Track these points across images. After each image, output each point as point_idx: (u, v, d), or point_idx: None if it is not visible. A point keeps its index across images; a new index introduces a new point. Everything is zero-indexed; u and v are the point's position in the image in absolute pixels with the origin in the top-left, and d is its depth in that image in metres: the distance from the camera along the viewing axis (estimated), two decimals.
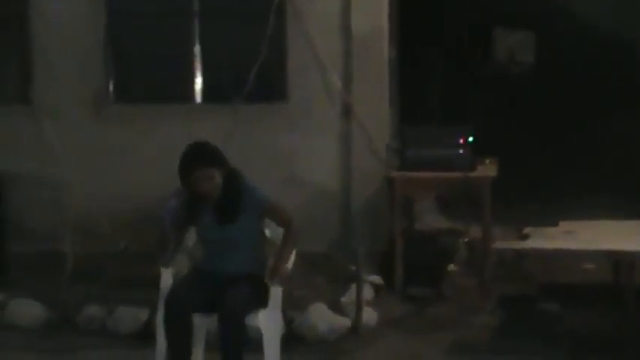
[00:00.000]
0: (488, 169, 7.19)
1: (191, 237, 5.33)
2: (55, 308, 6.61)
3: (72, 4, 7.93)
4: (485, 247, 7.00)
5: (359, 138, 7.68)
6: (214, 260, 5.11)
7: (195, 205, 5.07)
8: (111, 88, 8.06)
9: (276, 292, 5.09)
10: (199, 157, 5.02)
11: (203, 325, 4.99)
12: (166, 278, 5.16)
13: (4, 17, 8.17)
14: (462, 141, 7.15)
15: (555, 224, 6.74)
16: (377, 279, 7.05)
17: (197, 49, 7.98)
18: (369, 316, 6.47)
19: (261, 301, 5.00)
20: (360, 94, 7.68)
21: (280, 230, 5.16)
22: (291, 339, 5.96)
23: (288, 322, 6.10)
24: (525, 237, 6.51)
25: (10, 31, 8.19)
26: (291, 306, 6.10)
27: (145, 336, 6.03)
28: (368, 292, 6.74)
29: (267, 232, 5.31)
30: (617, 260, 6.58)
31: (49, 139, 7.91)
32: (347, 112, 7.72)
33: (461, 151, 7.16)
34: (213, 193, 5.01)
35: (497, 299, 6.82)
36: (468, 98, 10.28)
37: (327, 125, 7.79)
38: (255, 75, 7.74)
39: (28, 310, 6.59)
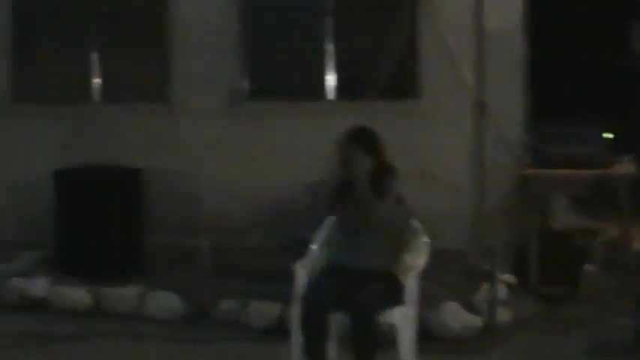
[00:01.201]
0: (626, 167, 7.00)
1: (324, 231, 5.39)
2: (192, 301, 6.76)
3: (208, 3, 8.09)
4: (625, 247, 6.82)
5: (491, 134, 7.60)
6: (349, 254, 5.14)
7: (342, 189, 5.11)
8: (245, 85, 8.20)
9: (410, 289, 5.08)
10: (356, 138, 5.09)
11: (336, 322, 5.02)
12: (301, 274, 5.21)
13: (144, 17, 8.41)
14: (599, 137, 6.99)
15: None
16: (510, 278, 6.96)
17: (329, 45, 8.03)
18: (503, 315, 6.40)
19: (396, 299, 5.00)
20: (493, 90, 7.58)
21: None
22: (423, 337, 5.93)
23: (420, 319, 6.08)
24: None
25: (149, 32, 8.41)
26: (424, 303, 6.07)
27: (277, 331, 6.11)
28: (501, 291, 6.65)
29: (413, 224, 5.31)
30: None
31: (185, 136, 8.10)
32: (479, 108, 7.64)
33: (598, 148, 7.00)
34: (360, 177, 5.04)
35: (637, 300, 6.63)
36: (604, 93, 10.04)
37: (459, 122, 7.72)
38: (387, 72, 7.74)
39: (165, 303, 6.77)
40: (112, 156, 7.97)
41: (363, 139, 5.14)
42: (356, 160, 5.06)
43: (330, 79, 8.05)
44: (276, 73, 8.18)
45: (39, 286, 7.01)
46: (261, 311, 6.50)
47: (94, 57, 8.55)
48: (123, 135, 8.27)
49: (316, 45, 8.05)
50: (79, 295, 6.90)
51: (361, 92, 7.88)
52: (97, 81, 8.57)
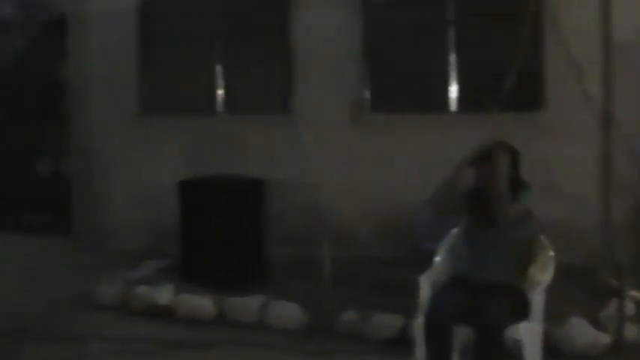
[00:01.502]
0: None
1: (449, 243, 5.34)
2: (314, 312, 6.77)
3: (330, 15, 8.14)
4: None
5: (619, 147, 7.40)
6: (474, 266, 5.08)
7: (473, 199, 5.07)
8: (367, 96, 8.20)
9: (537, 304, 4.99)
10: (494, 152, 5.04)
11: (460, 335, 4.96)
12: (425, 287, 5.17)
13: (267, 29, 8.51)
14: None
15: None
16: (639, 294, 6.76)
17: (452, 56, 7.97)
18: (631, 332, 6.21)
19: (521, 313, 4.92)
20: (621, 102, 7.40)
21: None
22: (549, 353, 5.80)
23: (545, 335, 5.95)
24: None
25: (272, 42, 8.51)
26: (549, 318, 5.94)
27: (400, 343, 6.06)
28: (630, 307, 6.46)
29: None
30: None
31: (307, 147, 8.15)
32: (606, 120, 7.46)
33: None
34: (494, 192, 4.98)
35: None
36: None
37: (585, 134, 7.57)
38: (511, 83, 7.63)
39: (287, 313, 6.79)
40: (236, 167, 8.08)
41: (505, 153, 5.06)
42: (496, 172, 4.98)
43: (453, 91, 8.00)
44: (398, 84, 8.17)
45: (164, 294, 7.13)
46: (384, 323, 6.46)
47: (218, 69, 8.70)
48: (246, 146, 8.38)
49: (439, 56, 8.02)
50: (202, 303, 6.99)
51: (484, 104, 7.79)
52: (220, 93, 8.72)
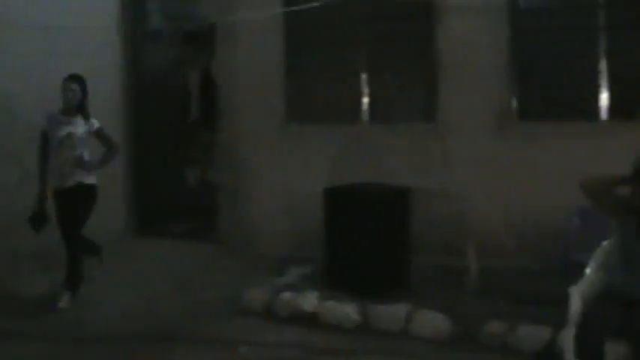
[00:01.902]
0: None
1: (602, 255, 5.19)
2: (458, 321, 6.69)
3: (477, 23, 8.05)
4: None
5: None
6: (629, 280, 4.91)
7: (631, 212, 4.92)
8: (514, 104, 8.07)
9: None
10: None
11: (614, 351, 4.81)
12: (576, 299, 5.04)
13: (411, 37, 8.48)
14: None
15: None
16: None
17: (602, 64, 7.76)
18: None
19: None
20: None
21: None
22: None
23: None
24: None
25: (417, 52, 8.47)
26: None
27: (547, 356, 5.93)
28: None
29: None
30: None
31: (452, 157, 8.08)
32: None
33: None
34: None
35: None
36: None
37: None
38: None
39: (433, 322, 6.74)
40: (380, 175, 8.07)
41: None
42: None
43: (603, 99, 7.78)
44: (546, 92, 8.00)
45: (309, 301, 7.19)
46: (530, 335, 6.33)
47: (363, 78, 8.72)
48: (391, 154, 8.37)
49: (588, 63, 7.82)
50: (347, 310, 7.00)
51: (636, 112, 7.56)
52: (365, 101, 8.74)
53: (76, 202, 7.46)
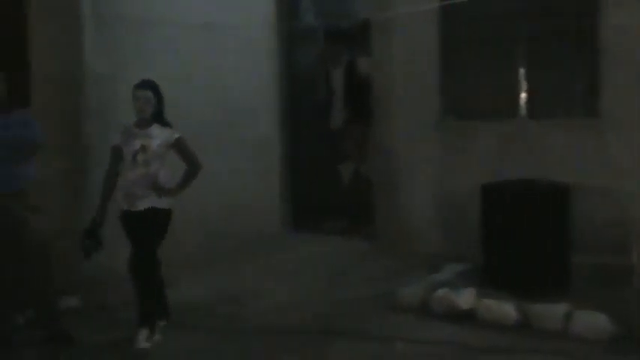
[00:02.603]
0: None
1: None
2: (622, 322, 6.48)
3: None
4: None
5: None
6: None
7: None
8: None
9: None
10: None
11: None
12: None
13: (571, 30, 8.27)
14: None
15: None
16: None
17: None
18: None
19: None
20: None
21: None
22: None
23: None
24: None
25: (576, 45, 8.26)
26: None
27: None
28: None
29: None
30: None
31: (615, 152, 7.84)
32: None
33: None
34: None
35: None
36: None
37: None
38: None
39: (594, 322, 6.54)
40: (539, 171, 7.90)
41: None
42: None
43: None
44: None
45: (466, 298, 7.10)
46: None
47: (521, 72, 8.56)
48: (550, 150, 8.19)
49: None
50: (505, 309, 6.88)
51: None
52: (523, 96, 8.57)
53: (147, 229, 6.52)
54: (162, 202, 6.53)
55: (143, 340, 6.47)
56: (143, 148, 6.47)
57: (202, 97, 8.74)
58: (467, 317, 7.00)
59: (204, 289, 8.04)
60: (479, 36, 8.77)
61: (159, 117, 6.60)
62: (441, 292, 7.25)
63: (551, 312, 6.72)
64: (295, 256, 9.11)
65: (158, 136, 6.54)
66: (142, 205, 6.47)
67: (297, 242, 9.66)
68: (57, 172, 7.50)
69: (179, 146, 6.62)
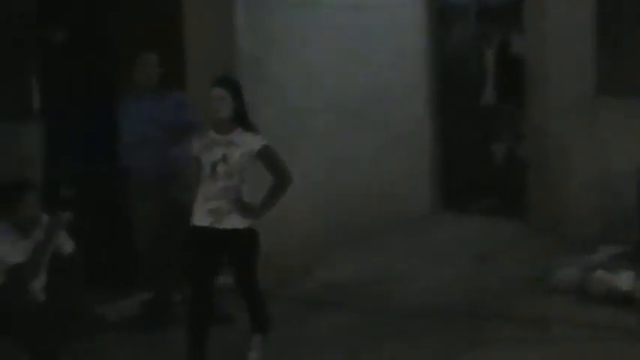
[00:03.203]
0: None
1: None
2: None
3: None
4: None
5: None
6: None
7: None
8: None
9: None
10: None
11: None
12: None
13: None
14: None
15: None
16: None
17: None
18: None
19: None
20: None
21: None
22: None
23: None
24: None
25: None
26: None
27: None
28: None
29: None
30: None
31: None
32: None
33: None
34: None
35: None
36: None
37: None
38: None
39: None
40: None
41: None
42: None
43: None
44: None
45: (624, 281, 6.88)
46: None
47: None
48: None
49: None
50: None
51: None
52: None
53: (235, 252, 5.80)
54: (245, 222, 5.72)
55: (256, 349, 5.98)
56: (224, 158, 5.62)
57: (351, 78, 8.73)
58: (625, 300, 6.79)
59: (352, 270, 8.06)
60: (636, 9, 8.46)
61: (242, 120, 5.69)
62: (599, 274, 7.05)
63: None
64: (445, 238, 9.01)
65: (242, 143, 5.65)
66: (222, 224, 5.69)
67: (447, 223, 9.57)
68: None
69: (265, 155, 5.70)
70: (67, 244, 6.09)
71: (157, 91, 6.76)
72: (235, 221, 5.67)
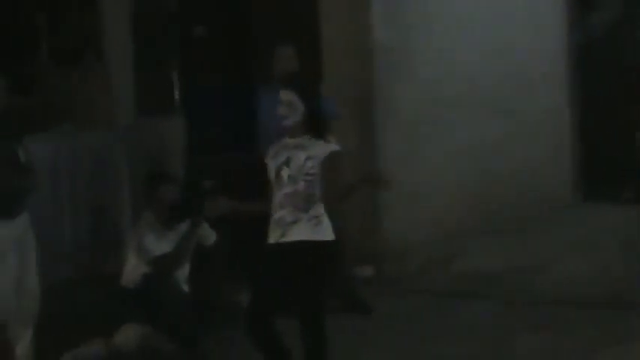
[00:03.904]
0: None
1: None
2: None
3: None
4: None
5: None
6: None
7: None
8: None
9: None
10: None
11: None
12: None
13: None
14: None
15: None
16: None
17: None
18: None
19: None
20: None
21: None
22: None
23: None
24: None
25: None
26: None
27: None
28: None
29: None
30: None
31: None
32: None
33: None
34: None
35: None
36: None
37: None
38: None
39: None
40: None
41: None
42: None
43: None
44: None
45: None
46: None
47: None
48: None
49: None
50: None
51: None
52: None
53: (302, 272, 4.88)
54: (322, 232, 4.92)
55: None
56: (287, 161, 4.95)
57: (490, 65, 8.59)
58: None
59: (493, 259, 7.93)
60: None
61: (310, 123, 5.00)
62: None
63: None
64: (589, 227, 8.78)
65: (310, 147, 4.95)
66: (290, 236, 4.88)
67: (591, 212, 9.32)
68: (348, 144, 7.62)
69: (331, 161, 4.95)
70: (209, 236, 6.21)
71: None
72: (307, 232, 4.89)
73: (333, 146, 5.02)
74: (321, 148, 4.96)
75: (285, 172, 4.95)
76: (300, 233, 4.88)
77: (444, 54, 8.15)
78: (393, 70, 7.73)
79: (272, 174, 5.02)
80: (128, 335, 5.82)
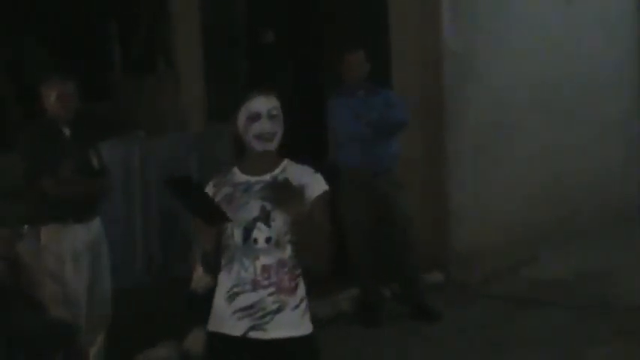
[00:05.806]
0: None
1: None
2: None
3: None
4: None
5: None
6: None
7: None
8: None
9: None
10: None
11: None
12: None
13: None
14: None
15: None
16: None
17: None
18: None
19: None
20: None
21: None
22: None
23: None
24: None
25: None
26: None
27: None
28: None
29: None
30: None
31: None
32: None
33: None
34: None
35: None
36: None
37: None
38: None
39: None
40: None
41: None
42: None
43: None
44: None
45: None
46: None
47: None
48: None
49: None
50: None
51: None
52: None
53: None
54: (307, 323, 3.51)
55: None
56: (265, 216, 3.49)
57: (561, 72, 8.47)
58: None
59: (565, 266, 7.81)
60: None
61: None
62: None
63: None
64: None
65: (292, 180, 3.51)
66: (277, 330, 3.44)
67: None
68: (418, 149, 7.58)
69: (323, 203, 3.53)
70: None
71: (365, 88, 6.76)
72: (287, 325, 3.46)
73: (319, 177, 3.60)
74: (310, 184, 3.48)
75: (262, 234, 3.41)
76: (284, 326, 3.42)
77: (515, 60, 8.05)
78: (462, 76, 7.67)
79: (235, 232, 3.44)
80: (197, 339, 5.86)
